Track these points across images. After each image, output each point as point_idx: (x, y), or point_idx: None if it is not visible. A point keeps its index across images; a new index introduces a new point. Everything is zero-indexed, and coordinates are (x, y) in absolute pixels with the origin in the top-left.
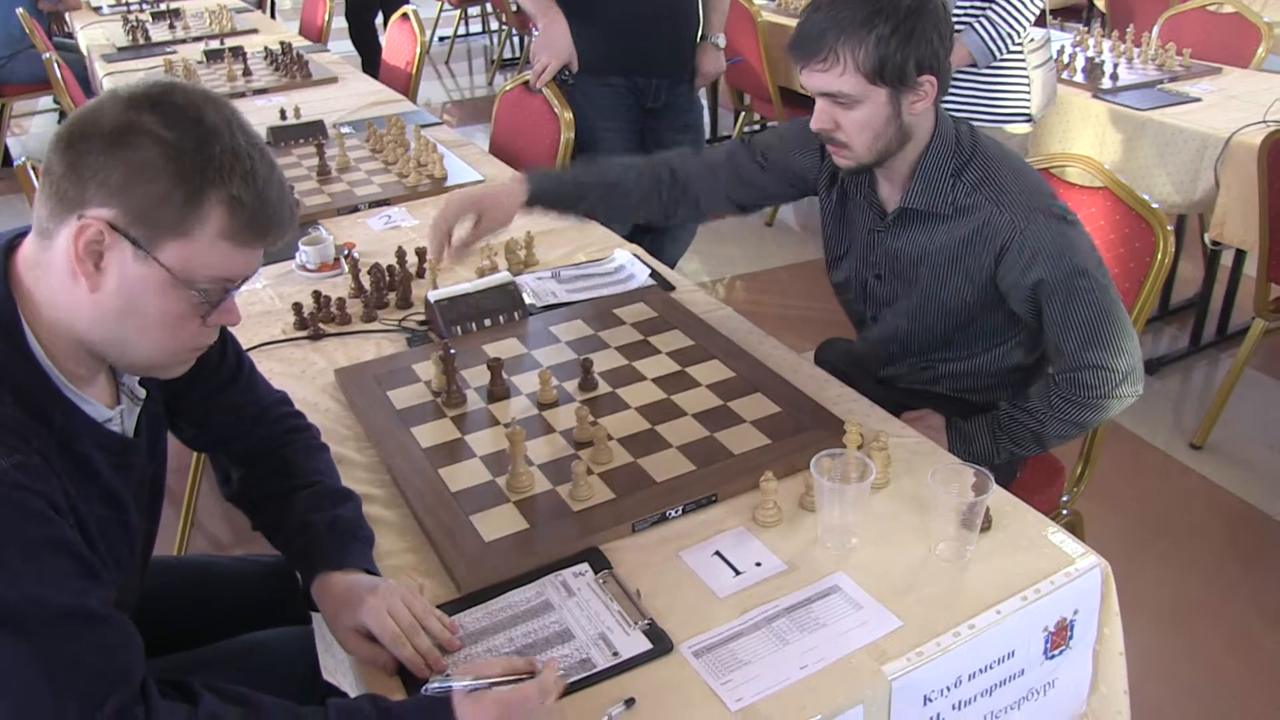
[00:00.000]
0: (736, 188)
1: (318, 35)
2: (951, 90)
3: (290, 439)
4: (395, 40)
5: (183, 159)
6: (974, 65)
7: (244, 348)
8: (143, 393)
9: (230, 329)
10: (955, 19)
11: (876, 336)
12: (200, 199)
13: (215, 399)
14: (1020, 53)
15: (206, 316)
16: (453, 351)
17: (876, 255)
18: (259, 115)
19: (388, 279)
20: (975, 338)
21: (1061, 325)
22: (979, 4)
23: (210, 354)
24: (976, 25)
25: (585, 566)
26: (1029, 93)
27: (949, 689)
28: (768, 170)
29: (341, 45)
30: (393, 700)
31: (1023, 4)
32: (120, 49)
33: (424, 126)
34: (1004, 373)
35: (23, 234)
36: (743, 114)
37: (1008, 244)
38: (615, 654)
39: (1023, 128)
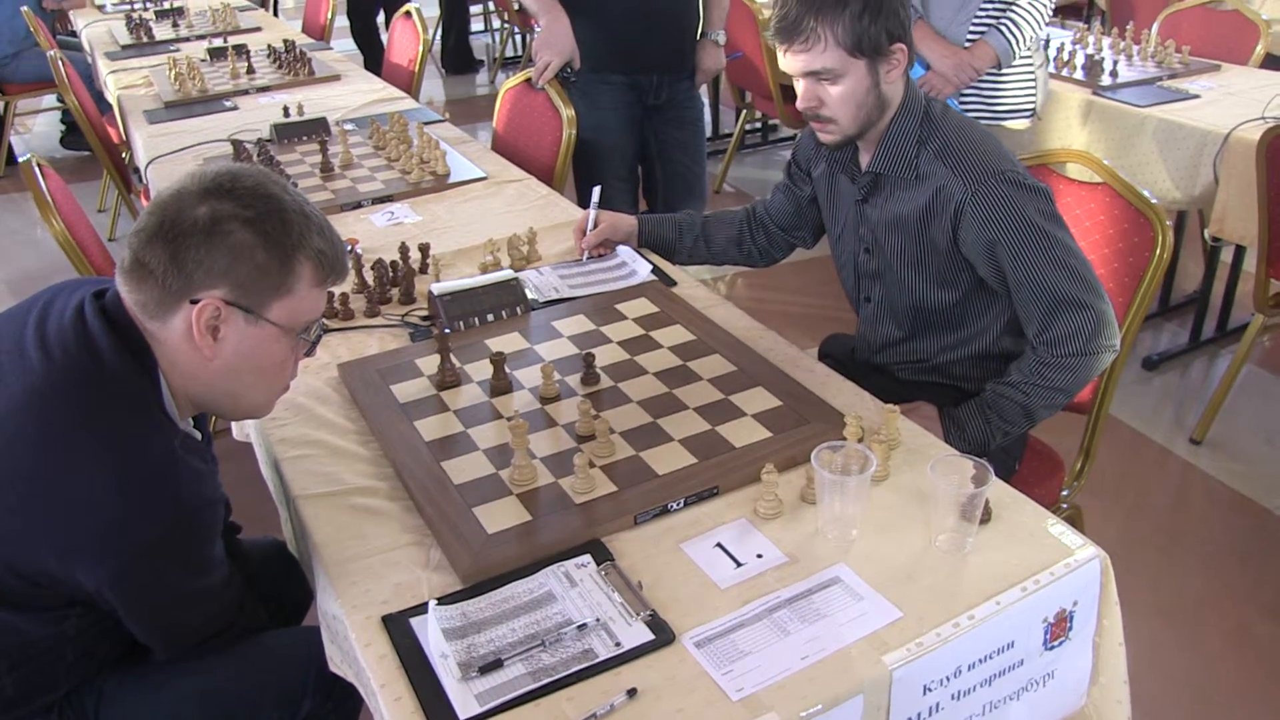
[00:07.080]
0: (795, 203)
1: (320, 33)
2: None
3: None
4: (398, 38)
5: (270, 233)
6: (998, 66)
7: None
8: (198, 435)
9: None
10: (978, 20)
11: (870, 316)
12: (292, 261)
13: None
14: (1027, 53)
15: (307, 353)
16: (447, 330)
17: (863, 228)
18: (262, 113)
19: (391, 275)
20: (962, 317)
21: (1025, 282)
22: (1000, 6)
23: None
24: (1000, 27)
25: (587, 558)
26: (1034, 89)
27: (949, 679)
28: (802, 173)
29: (344, 43)
30: None
31: (1042, 4)
32: (124, 47)
33: (427, 124)
34: (997, 359)
35: (102, 290)
36: (744, 111)
37: (961, 207)
38: (617, 644)
39: (1023, 123)
